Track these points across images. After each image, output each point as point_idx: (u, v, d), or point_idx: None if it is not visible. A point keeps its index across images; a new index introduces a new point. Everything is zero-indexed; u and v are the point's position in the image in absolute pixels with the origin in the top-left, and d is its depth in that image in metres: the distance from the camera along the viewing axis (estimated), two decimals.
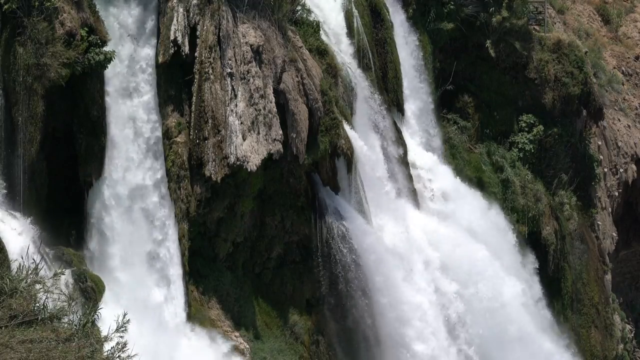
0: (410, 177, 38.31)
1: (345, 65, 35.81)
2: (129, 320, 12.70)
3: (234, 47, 30.24)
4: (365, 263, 33.65)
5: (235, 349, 30.17)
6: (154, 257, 29.11)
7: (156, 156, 29.14)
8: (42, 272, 14.34)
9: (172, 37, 29.15)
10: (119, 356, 12.54)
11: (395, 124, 38.34)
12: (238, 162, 29.68)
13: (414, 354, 34.63)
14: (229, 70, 30.05)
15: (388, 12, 39.85)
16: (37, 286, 13.46)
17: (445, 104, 43.45)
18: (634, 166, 51.15)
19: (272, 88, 30.92)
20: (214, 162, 29.58)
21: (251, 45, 30.62)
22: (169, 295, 29.14)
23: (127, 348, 12.55)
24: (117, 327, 12.45)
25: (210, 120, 29.62)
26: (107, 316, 15.67)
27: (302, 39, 33.13)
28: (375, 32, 38.83)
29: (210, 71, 29.73)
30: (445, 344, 35.49)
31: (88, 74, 26.72)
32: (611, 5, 57.82)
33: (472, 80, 44.54)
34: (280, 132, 30.72)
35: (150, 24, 29.38)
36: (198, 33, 29.76)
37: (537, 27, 46.90)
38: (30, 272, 13.19)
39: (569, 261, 44.78)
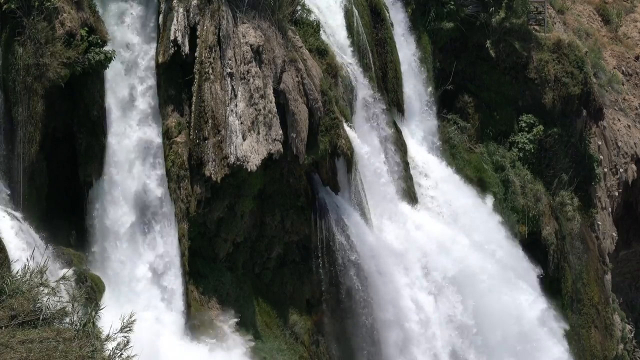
0: (410, 177, 38.31)
1: (345, 65, 35.80)
2: (134, 320, 12.68)
3: (234, 47, 30.24)
4: (365, 263, 33.65)
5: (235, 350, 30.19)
6: (154, 256, 29.10)
7: None
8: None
9: (172, 37, 29.14)
10: (120, 355, 12.52)
11: (395, 124, 38.34)
12: (238, 162, 29.67)
13: (414, 354, 34.62)
14: (229, 70, 30.04)
15: (388, 12, 39.86)
16: (42, 289, 13.44)
17: (445, 104, 43.45)
18: (634, 166, 51.15)
19: (272, 88, 30.91)
20: (214, 162, 29.57)
21: (251, 45, 30.61)
22: (169, 295, 29.13)
23: (130, 346, 12.53)
24: (122, 327, 12.43)
25: (210, 120, 29.61)
26: (106, 316, 15.65)
27: (302, 39, 33.12)
28: (375, 32, 38.84)
29: (210, 71, 29.72)
30: (446, 343, 35.48)
31: (88, 74, 26.72)
32: (611, 5, 57.82)
33: (472, 80, 44.52)
34: (280, 132, 30.71)
35: (151, 24, 29.39)
36: (198, 33, 29.75)
37: (537, 27, 46.90)
38: (33, 273, 13.17)
39: (569, 261, 44.77)
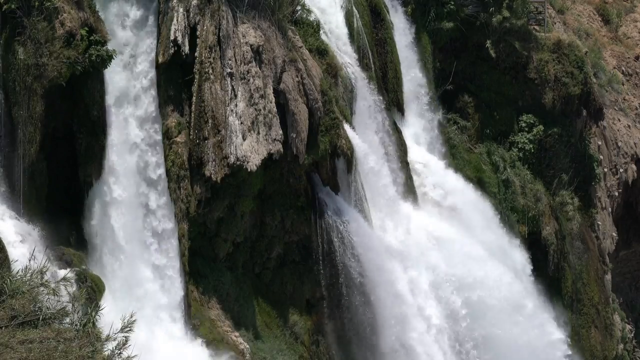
0: (410, 177, 38.32)
1: (345, 65, 35.80)
2: (135, 320, 12.68)
3: (234, 47, 30.24)
4: (365, 263, 33.64)
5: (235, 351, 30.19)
6: (154, 256, 29.10)
7: None
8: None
9: (172, 37, 29.13)
10: (119, 355, 12.52)
11: (395, 124, 38.34)
12: (238, 162, 29.67)
13: (414, 354, 34.61)
14: (229, 70, 30.04)
15: (388, 12, 39.88)
16: (43, 289, 13.44)
17: (445, 104, 43.45)
18: (634, 166, 51.14)
19: (272, 88, 30.91)
20: (214, 162, 29.57)
21: (251, 45, 30.62)
22: (169, 295, 29.12)
23: (128, 344, 12.52)
24: (122, 327, 12.42)
25: (210, 120, 29.61)
26: (107, 316, 15.64)
27: (302, 39, 33.13)
28: (375, 32, 38.85)
29: (210, 71, 29.72)
30: (446, 344, 35.48)
31: (88, 73, 26.71)
32: (611, 5, 57.81)
33: (472, 80, 44.51)
34: (280, 132, 30.72)
35: (150, 24, 29.39)
36: (198, 33, 29.75)
37: (537, 27, 46.89)
38: (33, 274, 13.17)
39: (569, 261, 44.77)
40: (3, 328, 13.00)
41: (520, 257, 41.83)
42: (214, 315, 30.56)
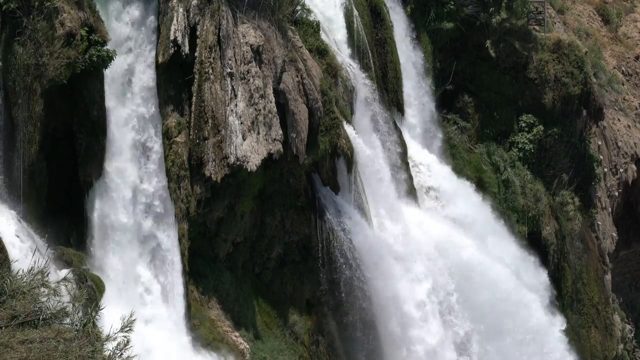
0: (410, 177, 38.33)
1: (345, 65, 35.81)
2: (135, 320, 12.68)
3: (234, 47, 30.24)
4: (365, 263, 33.64)
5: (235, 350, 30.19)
6: (154, 256, 29.10)
7: None
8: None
9: (172, 37, 29.13)
10: (120, 355, 12.52)
11: (395, 124, 38.36)
12: (238, 162, 29.67)
13: (414, 353, 34.62)
14: (229, 70, 30.04)
15: (388, 12, 39.89)
16: (43, 289, 13.44)
17: (445, 104, 43.47)
18: (634, 166, 51.17)
19: (272, 88, 30.91)
20: (214, 162, 29.57)
21: (251, 45, 30.62)
22: (169, 295, 29.11)
23: (130, 346, 12.52)
24: (122, 326, 12.43)
25: (210, 120, 29.60)
26: (107, 316, 15.64)
27: (302, 39, 33.13)
28: (375, 32, 38.87)
29: (210, 71, 29.71)
30: (446, 343, 35.48)
31: (88, 73, 26.70)
32: (611, 5, 57.84)
33: (472, 80, 44.55)
34: (280, 132, 30.72)
35: (150, 23, 29.38)
36: (198, 33, 29.74)
37: (537, 27, 46.92)
38: (35, 274, 13.17)
39: (569, 261, 44.79)
40: (3, 328, 13.00)
41: (520, 254, 41.87)
42: (214, 315, 30.56)
